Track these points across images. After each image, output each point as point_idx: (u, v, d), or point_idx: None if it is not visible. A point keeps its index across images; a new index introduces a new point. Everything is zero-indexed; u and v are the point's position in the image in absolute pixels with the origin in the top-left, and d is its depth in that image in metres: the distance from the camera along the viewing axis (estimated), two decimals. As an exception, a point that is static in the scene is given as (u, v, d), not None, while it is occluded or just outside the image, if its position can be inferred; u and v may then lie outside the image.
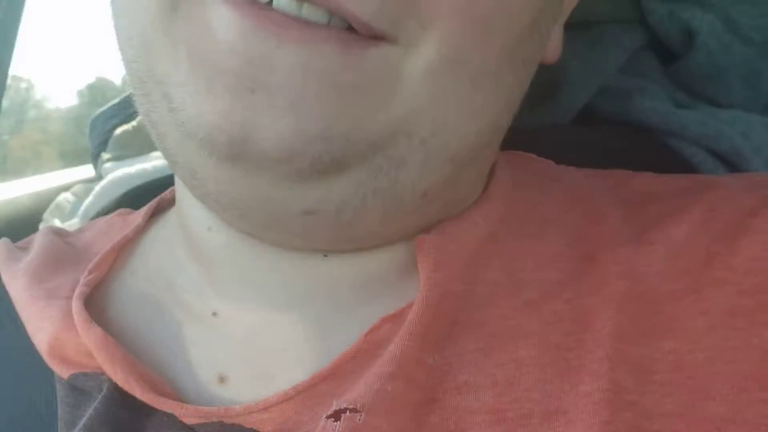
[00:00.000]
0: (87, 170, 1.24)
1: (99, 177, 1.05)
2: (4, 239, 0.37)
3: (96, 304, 0.31)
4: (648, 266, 0.28)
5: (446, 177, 0.27)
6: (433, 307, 0.27)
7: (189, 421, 0.27)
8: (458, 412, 0.25)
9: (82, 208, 0.93)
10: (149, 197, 0.38)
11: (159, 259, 0.33)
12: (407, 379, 0.25)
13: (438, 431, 0.25)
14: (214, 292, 0.30)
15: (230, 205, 0.26)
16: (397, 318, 0.27)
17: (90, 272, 0.32)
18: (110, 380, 0.28)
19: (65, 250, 0.36)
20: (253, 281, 0.30)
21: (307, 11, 0.22)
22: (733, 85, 0.44)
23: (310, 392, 0.26)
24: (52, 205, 1.08)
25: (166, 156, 0.27)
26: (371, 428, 0.24)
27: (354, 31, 0.23)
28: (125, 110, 1.04)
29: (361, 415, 0.24)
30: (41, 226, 0.92)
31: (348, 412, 0.25)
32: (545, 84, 0.47)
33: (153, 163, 0.94)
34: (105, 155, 1.05)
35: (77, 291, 0.31)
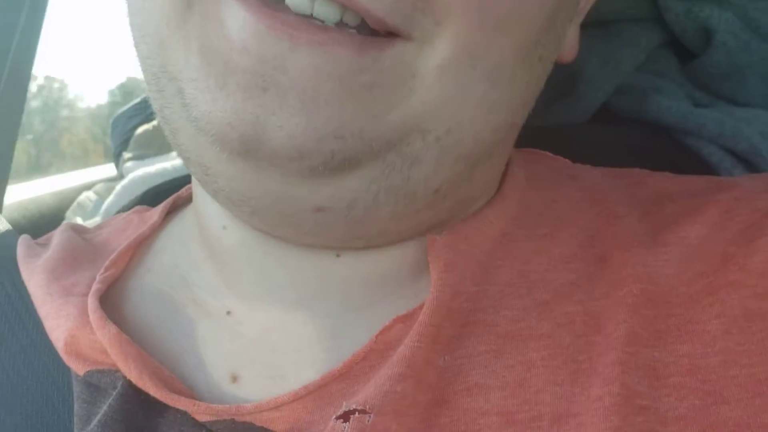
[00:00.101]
0: (109, 169, 1.25)
1: (120, 176, 1.06)
2: (24, 236, 0.38)
3: (111, 301, 0.32)
4: (662, 268, 0.28)
5: (460, 174, 0.27)
6: (443, 308, 0.27)
7: (201, 418, 0.27)
8: (468, 413, 0.25)
9: (104, 206, 0.94)
10: (169, 196, 0.38)
11: (174, 257, 0.34)
12: (417, 380, 0.25)
13: None
14: (229, 290, 0.31)
15: (242, 201, 0.26)
16: (408, 318, 0.27)
17: (106, 269, 0.33)
18: (124, 377, 0.28)
19: (83, 247, 0.36)
20: (266, 280, 0.30)
21: (319, 8, 0.22)
22: (752, 84, 0.44)
23: (320, 392, 0.26)
24: (75, 204, 1.10)
25: (179, 152, 0.27)
26: (380, 429, 0.24)
27: (367, 32, 0.23)
28: (145, 110, 1.06)
29: (370, 416, 0.24)
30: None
31: (357, 413, 0.25)
32: (563, 82, 0.47)
33: (173, 162, 0.95)
34: (126, 154, 1.06)
35: (93, 288, 0.31)
